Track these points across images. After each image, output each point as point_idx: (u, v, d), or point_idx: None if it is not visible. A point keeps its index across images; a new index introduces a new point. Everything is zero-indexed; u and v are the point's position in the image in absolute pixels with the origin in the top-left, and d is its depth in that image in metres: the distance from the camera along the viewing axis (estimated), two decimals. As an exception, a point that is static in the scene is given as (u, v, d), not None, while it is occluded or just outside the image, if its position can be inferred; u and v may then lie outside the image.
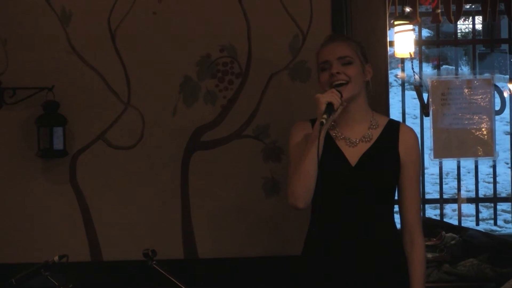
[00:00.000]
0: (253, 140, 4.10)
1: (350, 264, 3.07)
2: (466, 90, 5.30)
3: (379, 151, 3.14)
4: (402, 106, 7.05)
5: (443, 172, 7.27)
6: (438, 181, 7.57)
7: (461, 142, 5.34)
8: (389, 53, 4.34)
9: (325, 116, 2.97)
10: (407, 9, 5.09)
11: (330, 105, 3.00)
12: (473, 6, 8.56)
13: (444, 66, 12.99)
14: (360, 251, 3.07)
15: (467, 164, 9.10)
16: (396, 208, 3.24)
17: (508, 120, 7.54)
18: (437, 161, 5.47)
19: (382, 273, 3.09)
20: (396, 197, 3.22)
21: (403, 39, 5.23)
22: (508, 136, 7.72)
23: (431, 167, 9.34)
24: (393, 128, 3.20)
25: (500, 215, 8.44)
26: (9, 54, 4.08)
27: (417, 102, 5.25)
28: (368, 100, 3.22)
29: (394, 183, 3.16)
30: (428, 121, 5.42)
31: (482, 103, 5.31)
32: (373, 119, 3.20)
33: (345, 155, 3.11)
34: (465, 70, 14.26)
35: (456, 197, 7.52)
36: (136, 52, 4.09)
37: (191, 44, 4.08)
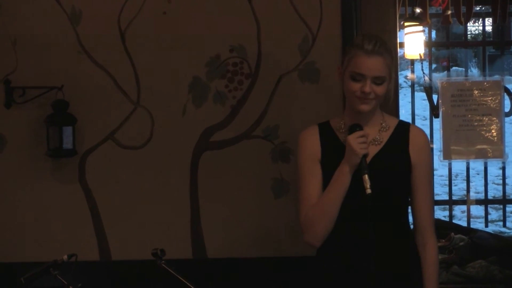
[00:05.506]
0: (262, 140, 4.10)
1: (364, 263, 3.04)
2: (476, 92, 5.28)
3: (390, 152, 3.12)
4: (412, 107, 7.05)
5: (452, 173, 7.26)
6: (447, 182, 7.58)
7: (471, 143, 5.33)
8: (399, 54, 4.33)
9: (366, 172, 2.99)
10: (417, 10, 5.09)
11: (364, 157, 3.02)
12: (483, 8, 8.57)
13: (454, 68, 12.98)
14: (374, 250, 3.04)
15: (477, 165, 9.09)
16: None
17: (518, 122, 7.53)
18: (446, 163, 5.46)
19: (397, 273, 3.09)
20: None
21: (413, 41, 5.22)
22: (518, 138, 7.71)
23: (440, 169, 9.31)
24: (404, 130, 3.18)
25: (509, 216, 8.42)
26: (19, 54, 4.09)
27: (426, 103, 5.25)
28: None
29: (406, 184, 3.14)
30: (437, 123, 5.40)
31: (491, 105, 5.29)
32: (384, 121, 3.17)
33: None
34: (474, 72, 14.23)
35: (465, 198, 7.52)
36: (145, 52, 4.09)
37: (200, 44, 4.08)
